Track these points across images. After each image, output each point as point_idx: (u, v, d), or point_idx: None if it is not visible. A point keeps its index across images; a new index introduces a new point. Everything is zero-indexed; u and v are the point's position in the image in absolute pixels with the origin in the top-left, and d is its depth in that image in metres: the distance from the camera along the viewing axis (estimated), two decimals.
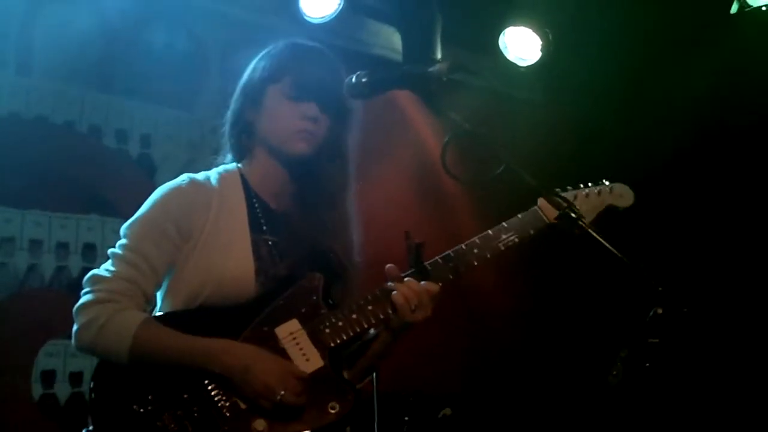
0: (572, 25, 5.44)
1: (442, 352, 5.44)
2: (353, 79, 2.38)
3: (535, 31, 5.28)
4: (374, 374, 2.71)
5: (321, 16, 4.92)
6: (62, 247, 4.36)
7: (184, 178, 2.52)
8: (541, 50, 5.31)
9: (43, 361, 4.19)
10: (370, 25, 5.51)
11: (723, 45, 5.02)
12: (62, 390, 4.26)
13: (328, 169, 2.58)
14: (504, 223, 2.57)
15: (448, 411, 4.84)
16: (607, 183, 2.69)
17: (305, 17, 4.90)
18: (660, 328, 1.96)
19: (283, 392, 2.26)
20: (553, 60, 5.35)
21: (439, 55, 5.25)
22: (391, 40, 5.54)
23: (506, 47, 5.40)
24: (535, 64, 5.39)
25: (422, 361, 5.20)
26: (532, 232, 2.57)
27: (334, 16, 4.92)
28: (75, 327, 2.35)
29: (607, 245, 2.02)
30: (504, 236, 2.55)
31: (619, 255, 2.00)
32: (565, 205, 2.14)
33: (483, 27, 5.52)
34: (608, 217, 2.69)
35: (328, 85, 2.52)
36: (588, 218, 2.51)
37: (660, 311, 1.95)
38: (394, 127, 5.25)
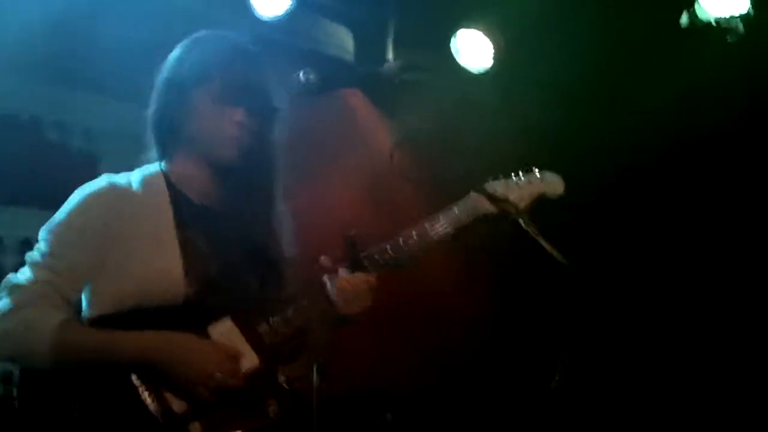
0: (531, 29, 5.38)
1: (396, 353, 5.40)
2: (301, 76, 2.33)
3: (487, 35, 5.22)
4: (314, 372, 2.68)
5: (273, 14, 4.86)
6: None
7: (103, 181, 2.43)
8: (493, 58, 5.25)
9: None
10: (323, 25, 5.45)
11: (684, 52, 5.04)
12: None
13: (256, 173, 2.53)
14: (439, 214, 2.58)
15: (389, 415, 4.81)
16: (537, 171, 2.70)
17: (257, 15, 4.84)
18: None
19: (219, 374, 2.21)
20: (508, 66, 5.30)
21: (391, 57, 5.22)
22: (345, 40, 5.48)
23: (458, 51, 5.33)
24: (488, 69, 5.33)
25: (373, 362, 5.15)
26: (467, 219, 2.58)
27: (285, 14, 4.86)
28: None
29: (542, 242, 1.99)
30: (437, 226, 2.55)
31: (554, 252, 1.97)
32: (503, 199, 2.12)
33: (436, 29, 5.48)
34: (541, 205, 2.70)
35: (257, 87, 2.48)
36: (521, 206, 2.57)
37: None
38: (344, 127, 5.20)
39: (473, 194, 2.59)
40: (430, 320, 5.60)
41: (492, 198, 2.18)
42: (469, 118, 5.77)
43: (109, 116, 4.67)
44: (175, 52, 2.55)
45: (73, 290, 2.33)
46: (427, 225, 2.56)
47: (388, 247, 2.51)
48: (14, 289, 2.27)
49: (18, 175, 4.29)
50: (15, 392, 2.24)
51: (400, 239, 2.53)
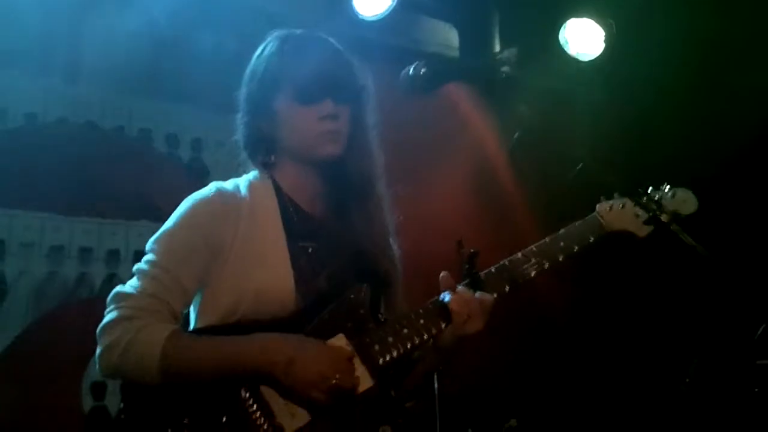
0: (636, 21, 5.24)
1: (504, 362, 5.27)
2: (410, 71, 2.21)
3: (597, 22, 5.08)
4: (435, 385, 2.56)
5: (374, 14, 4.79)
6: (113, 254, 4.28)
7: (211, 188, 2.35)
8: (604, 42, 5.11)
9: (93, 372, 4.08)
10: (425, 23, 5.36)
11: None
12: (113, 402, 4.14)
13: (356, 160, 2.40)
14: (561, 231, 2.44)
15: (514, 422, 4.66)
16: (668, 188, 2.49)
17: (358, 15, 4.78)
18: None
19: (338, 375, 2.11)
20: (616, 54, 5.15)
21: (498, 50, 5.08)
22: (447, 37, 5.38)
23: (567, 42, 5.21)
24: (597, 58, 5.20)
25: (484, 372, 5.03)
26: (591, 239, 2.45)
27: (387, 13, 4.79)
28: (98, 349, 2.17)
29: (704, 251, 1.82)
30: (562, 244, 2.41)
31: (719, 262, 1.79)
32: (654, 206, 1.95)
33: (542, 22, 5.34)
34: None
35: (335, 73, 2.36)
36: (649, 227, 2.40)
37: None
38: (451, 124, 5.08)
39: (600, 209, 2.46)
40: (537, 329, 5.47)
41: (649, 211, 2.01)
42: (576, 111, 5.61)
43: (216, 128, 4.67)
44: (249, 68, 2.46)
45: (180, 303, 2.26)
46: (549, 241, 2.42)
47: (508, 264, 2.37)
48: (122, 300, 2.20)
49: (129, 189, 4.33)
50: (121, 406, 2.17)
51: (520, 256, 2.39)
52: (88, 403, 4.11)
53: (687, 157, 5.15)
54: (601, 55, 5.20)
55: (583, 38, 5.19)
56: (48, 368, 3.99)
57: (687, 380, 2.31)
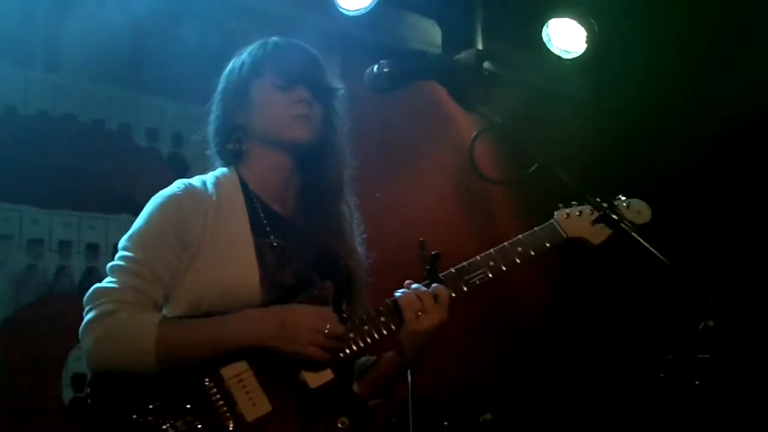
0: (620, 19, 5.27)
1: (479, 356, 5.31)
2: (374, 70, 2.23)
3: (579, 22, 5.13)
4: (410, 378, 2.61)
5: (357, 8, 4.80)
6: (92, 248, 4.28)
7: (179, 185, 2.40)
8: (586, 42, 5.16)
9: (72, 364, 4.09)
10: (407, 18, 5.36)
11: None
12: None
13: (327, 160, 2.49)
14: (520, 236, 2.53)
15: (488, 416, 4.69)
16: (623, 198, 2.63)
17: (340, 10, 4.79)
18: (710, 343, 1.79)
19: (328, 326, 2.21)
20: (598, 53, 5.20)
21: (480, 48, 5.09)
22: (429, 34, 5.38)
23: (550, 39, 5.25)
24: (579, 56, 5.24)
25: (459, 367, 5.07)
26: (548, 245, 2.54)
27: (370, 8, 4.80)
28: (85, 348, 2.19)
29: (653, 250, 1.86)
30: (520, 249, 2.50)
31: (666, 261, 1.83)
32: (605, 206, 2.00)
33: (525, 19, 5.37)
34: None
35: (313, 71, 2.46)
36: (604, 234, 2.51)
37: (711, 324, 1.78)
38: (430, 121, 5.11)
39: (558, 216, 2.56)
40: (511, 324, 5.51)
41: (600, 209, 2.09)
42: (556, 108, 5.65)
43: (197, 121, 4.67)
44: (229, 65, 2.56)
45: (160, 294, 2.30)
46: (508, 246, 2.51)
47: (467, 266, 2.46)
48: (102, 296, 2.23)
49: (109, 183, 4.33)
50: (88, 392, 2.19)
51: (479, 259, 2.48)
52: (68, 394, 4.11)
53: (667, 154, 5.21)
54: (583, 53, 5.24)
55: (566, 36, 5.23)
56: (28, 360, 4.00)
57: (661, 375, 2.35)
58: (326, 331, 2.21)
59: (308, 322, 2.22)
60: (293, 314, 2.23)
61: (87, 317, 2.21)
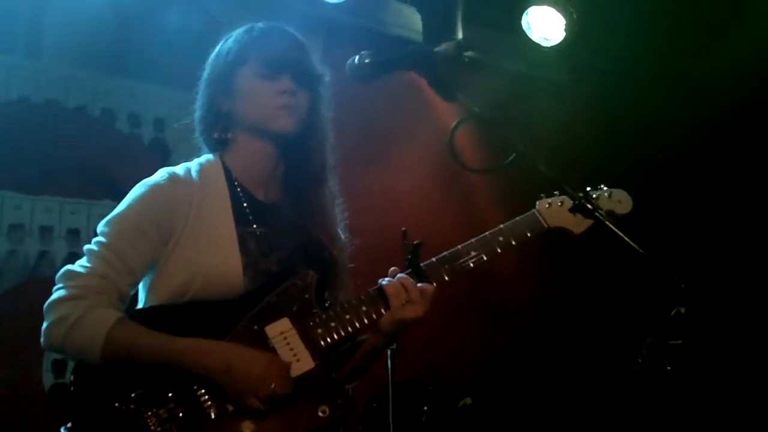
0: (599, 5, 5.30)
1: (460, 341, 5.35)
2: (356, 60, 2.26)
3: (558, 10, 5.16)
4: (389, 363, 2.62)
5: None
6: (73, 233, 4.29)
7: (163, 174, 2.41)
8: (565, 30, 5.19)
9: None
10: (389, 5, 5.37)
11: (754, 28, 4.87)
12: None
13: (311, 147, 2.50)
14: (502, 226, 2.54)
15: (468, 400, 4.75)
16: (605, 188, 2.65)
17: None
18: (682, 329, 1.84)
19: (274, 384, 2.18)
20: (577, 40, 5.23)
21: (460, 36, 5.11)
22: (411, 20, 5.40)
23: (529, 27, 5.28)
24: (558, 44, 5.27)
25: (440, 351, 5.11)
26: (529, 235, 2.55)
27: None
28: (45, 324, 2.23)
29: (626, 238, 1.91)
30: (501, 239, 2.52)
31: (640, 250, 1.88)
32: (580, 195, 2.04)
33: (506, 6, 5.39)
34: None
35: (298, 58, 2.45)
36: (585, 223, 2.53)
37: (683, 310, 1.83)
38: (411, 107, 5.13)
39: (540, 206, 2.57)
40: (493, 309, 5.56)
41: (574, 199, 2.12)
42: (535, 96, 5.68)
43: (179, 107, 4.67)
44: (215, 51, 2.54)
45: (127, 284, 2.31)
46: (489, 236, 2.52)
47: (449, 255, 2.47)
48: (71, 279, 2.26)
49: (91, 169, 4.33)
50: (71, 379, 2.23)
51: (460, 248, 2.49)
52: (49, 380, 4.13)
53: (652, 142, 5.25)
54: (562, 41, 5.27)
55: (546, 24, 5.26)
56: (9, 346, 4.01)
57: (639, 360, 2.39)
58: (272, 387, 2.18)
59: (256, 372, 2.19)
60: (244, 361, 2.20)
61: (54, 296, 2.25)
